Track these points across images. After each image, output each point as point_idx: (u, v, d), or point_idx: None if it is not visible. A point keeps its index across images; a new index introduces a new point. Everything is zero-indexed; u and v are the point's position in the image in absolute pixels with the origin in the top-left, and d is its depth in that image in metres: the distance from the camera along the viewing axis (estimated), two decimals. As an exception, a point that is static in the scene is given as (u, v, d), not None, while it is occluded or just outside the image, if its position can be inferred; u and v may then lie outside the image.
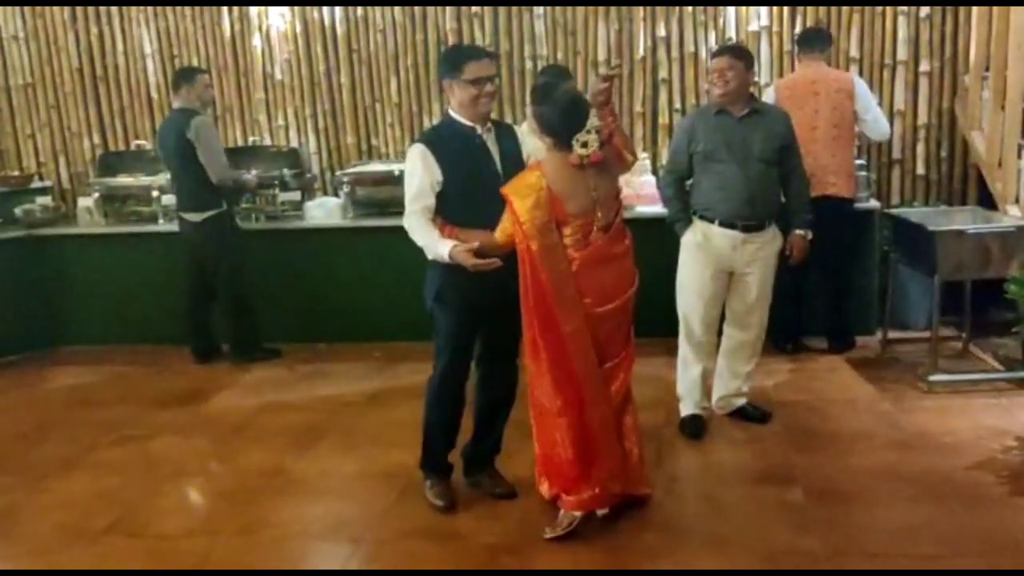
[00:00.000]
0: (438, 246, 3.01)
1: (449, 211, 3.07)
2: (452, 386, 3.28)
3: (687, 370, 3.97)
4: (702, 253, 3.80)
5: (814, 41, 4.91)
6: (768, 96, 4.72)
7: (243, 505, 3.48)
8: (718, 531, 3.10)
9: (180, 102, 5.17)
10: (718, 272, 3.81)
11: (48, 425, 4.51)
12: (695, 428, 3.90)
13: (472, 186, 3.05)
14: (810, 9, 5.59)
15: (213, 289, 5.30)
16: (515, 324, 3.13)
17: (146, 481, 3.76)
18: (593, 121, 3.00)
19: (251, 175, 5.51)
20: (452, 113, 3.15)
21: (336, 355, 5.34)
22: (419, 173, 3.05)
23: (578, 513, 3.05)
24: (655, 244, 4.65)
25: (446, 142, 3.10)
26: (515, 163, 3.15)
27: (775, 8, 5.62)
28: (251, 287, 5.33)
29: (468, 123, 3.11)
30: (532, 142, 3.24)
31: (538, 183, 2.89)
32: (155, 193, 5.74)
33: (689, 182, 3.91)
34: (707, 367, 3.97)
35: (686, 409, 3.97)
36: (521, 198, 2.89)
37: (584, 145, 2.89)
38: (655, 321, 4.96)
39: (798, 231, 3.88)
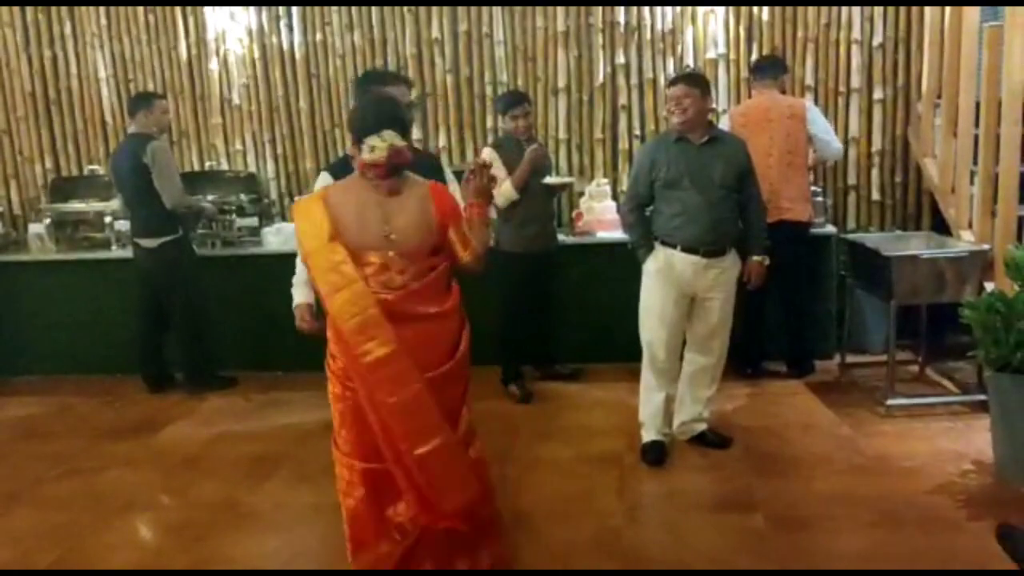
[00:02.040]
0: (296, 294, 3.24)
1: None
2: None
3: (650, 396, 3.96)
4: (664, 279, 3.80)
5: (767, 69, 4.98)
6: (724, 124, 4.75)
7: (195, 540, 3.38)
8: (680, 558, 3.07)
9: (136, 127, 5.09)
10: (680, 297, 3.81)
11: (-8, 458, 4.36)
12: (657, 454, 3.88)
13: None
14: (766, 37, 5.66)
15: (167, 316, 5.19)
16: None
17: (94, 516, 3.64)
18: (399, 140, 2.60)
19: (207, 201, 5.44)
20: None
21: (292, 384, 5.24)
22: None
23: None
24: (616, 270, 4.69)
25: (350, 170, 2.88)
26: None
27: (732, 35, 5.69)
28: (207, 314, 5.23)
29: None
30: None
31: (318, 204, 2.58)
32: (108, 219, 5.65)
33: (649, 209, 3.91)
34: (670, 393, 3.96)
35: (648, 435, 3.95)
36: (304, 219, 2.60)
37: (372, 150, 2.54)
38: (617, 347, 4.99)
39: (755, 257, 3.90)
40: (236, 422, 4.72)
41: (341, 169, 3.00)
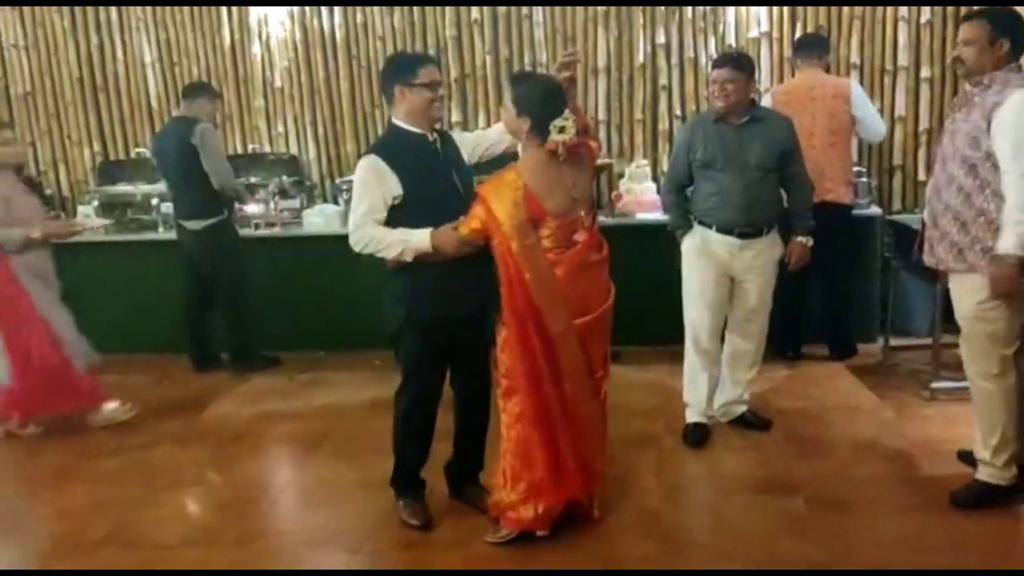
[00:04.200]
0: (412, 237, 2.90)
1: (406, 222, 2.94)
2: (423, 410, 3.19)
3: (695, 378, 3.94)
4: (703, 259, 3.78)
5: (811, 47, 4.90)
6: (765, 103, 4.70)
7: (241, 515, 3.46)
8: (718, 540, 3.08)
9: (184, 111, 5.17)
10: (720, 277, 3.79)
11: (45, 435, 4.47)
12: (699, 436, 3.87)
13: (430, 194, 2.96)
14: (810, 15, 5.57)
15: (212, 297, 5.29)
16: (488, 335, 3.09)
17: (143, 491, 3.74)
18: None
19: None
20: (398, 122, 3.05)
21: (335, 363, 5.31)
22: (374, 187, 2.93)
23: (514, 531, 3.03)
24: (655, 252, 4.66)
25: (399, 152, 2.97)
26: (464, 168, 3.11)
27: (775, 14, 5.61)
28: (251, 295, 5.31)
29: (418, 130, 3.03)
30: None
31: (515, 182, 2.83)
32: (155, 201, 5.74)
33: (690, 189, 3.89)
34: (714, 375, 3.94)
35: (692, 417, 3.94)
36: (499, 199, 2.82)
37: (562, 130, 2.81)
38: (655, 329, 4.98)
39: (798, 237, 3.86)
40: (280, 401, 4.80)
41: (386, 149, 3.01)
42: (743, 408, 4.02)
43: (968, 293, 3.07)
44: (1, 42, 6.47)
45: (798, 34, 5.50)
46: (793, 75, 5.14)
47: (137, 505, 3.60)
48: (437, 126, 3.14)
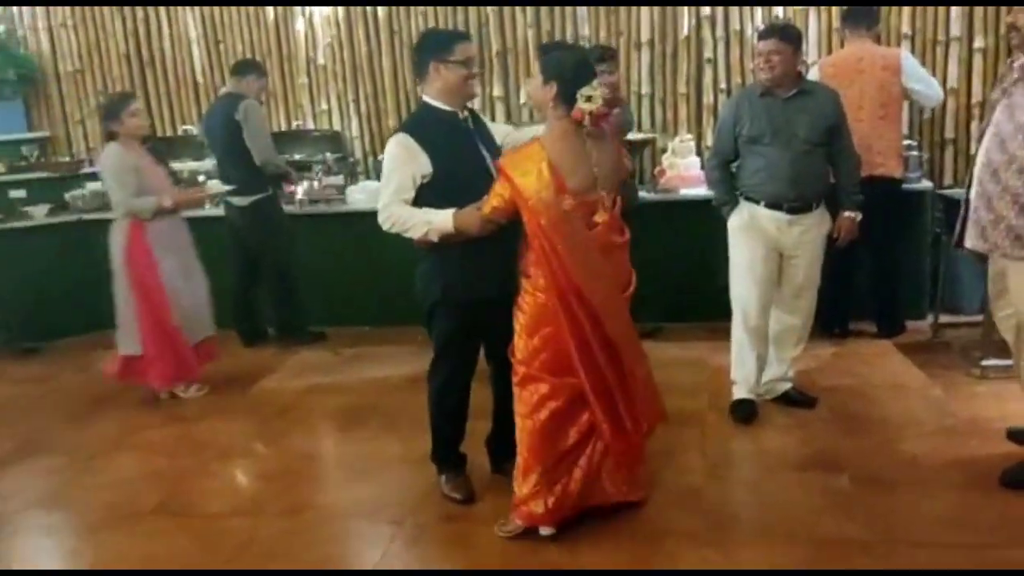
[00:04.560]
0: (436, 218, 2.87)
1: (437, 200, 2.91)
2: (457, 389, 3.20)
3: (743, 356, 3.88)
4: (750, 234, 3.74)
5: (860, 18, 4.78)
6: (813, 76, 4.61)
7: (287, 486, 3.53)
8: (763, 517, 3.07)
9: (232, 88, 5.22)
10: (769, 252, 3.74)
11: (98, 406, 4.60)
12: (747, 412, 3.84)
13: (460, 173, 2.92)
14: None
15: (258, 273, 5.36)
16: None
17: (193, 462, 3.83)
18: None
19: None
20: (429, 99, 3.02)
21: (380, 338, 5.37)
22: (403, 166, 2.92)
23: (523, 525, 2.96)
24: (699, 227, 4.62)
25: (430, 130, 2.96)
26: (494, 148, 3.08)
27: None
28: (296, 271, 5.37)
29: (448, 108, 3.01)
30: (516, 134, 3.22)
31: (539, 155, 2.74)
32: (202, 178, 5.82)
33: (735, 164, 3.84)
34: (762, 352, 3.89)
35: (739, 393, 3.90)
36: (523, 174, 2.73)
37: (589, 99, 2.72)
38: (698, 305, 4.96)
39: (846, 212, 3.79)
40: (325, 375, 4.87)
41: (417, 127, 3.00)
42: (788, 385, 3.98)
43: None
44: (50, 20, 6.57)
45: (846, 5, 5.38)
46: (842, 46, 5.03)
47: (187, 476, 3.69)
48: (470, 104, 3.13)
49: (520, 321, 2.90)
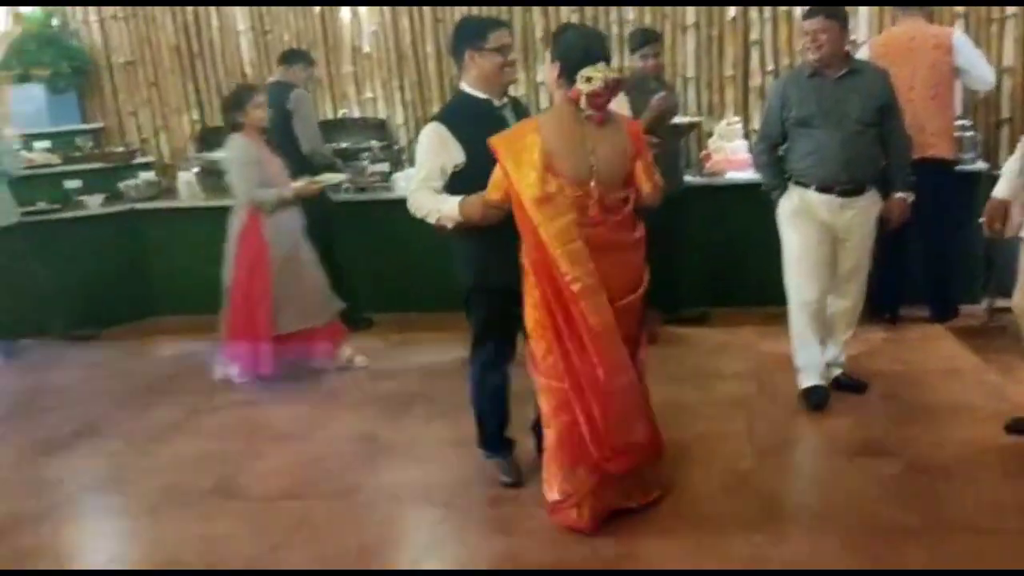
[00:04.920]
0: (445, 206, 2.91)
1: (469, 189, 2.91)
2: (496, 371, 3.22)
3: (805, 343, 3.78)
4: (802, 219, 3.67)
5: None
6: (862, 55, 4.52)
7: (337, 470, 3.59)
8: (813, 503, 3.05)
9: (281, 77, 5.27)
10: (823, 236, 3.67)
11: (153, 391, 4.71)
12: (819, 398, 3.74)
13: (493, 162, 2.89)
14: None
15: None
16: None
17: (246, 445, 3.91)
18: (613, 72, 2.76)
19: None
20: (466, 88, 3.05)
21: (427, 324, 5.40)
22: (433, 155, 2.96)
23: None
24: (746, 211, 4.58)
25: (464, 119, 2.98)
26: None
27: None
28: (343, 258, 5.42)
29: (485, 96, 3.02)
30: None
31: (532, 135, 2.70)
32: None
33: (783, 147, 3.79)
34: (824, 337, 3.80)
35: (808, 380, 3.80)
36: (517, 163, 2.69)
37: (588, 80, 2.66)
38: (745, 290, 4.91)
39: (898, 194, 3.71)
40: (374, 360, 4.90)
41: (451, 116, 3.04)
42: (838, 370, 3.93)
43: None
44: (101, 13, 6.70)
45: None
46: (893, 24, 4.93)
47: (241, 458, 3.77)
48: (510, 92, 3.14)
49: (528, 323, 2.88)
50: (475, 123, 2.94)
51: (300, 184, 4.71)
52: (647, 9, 5.78)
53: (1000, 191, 3.40)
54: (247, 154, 4.41)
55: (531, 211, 2.69)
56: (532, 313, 2.84)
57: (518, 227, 2.77)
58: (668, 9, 5.74)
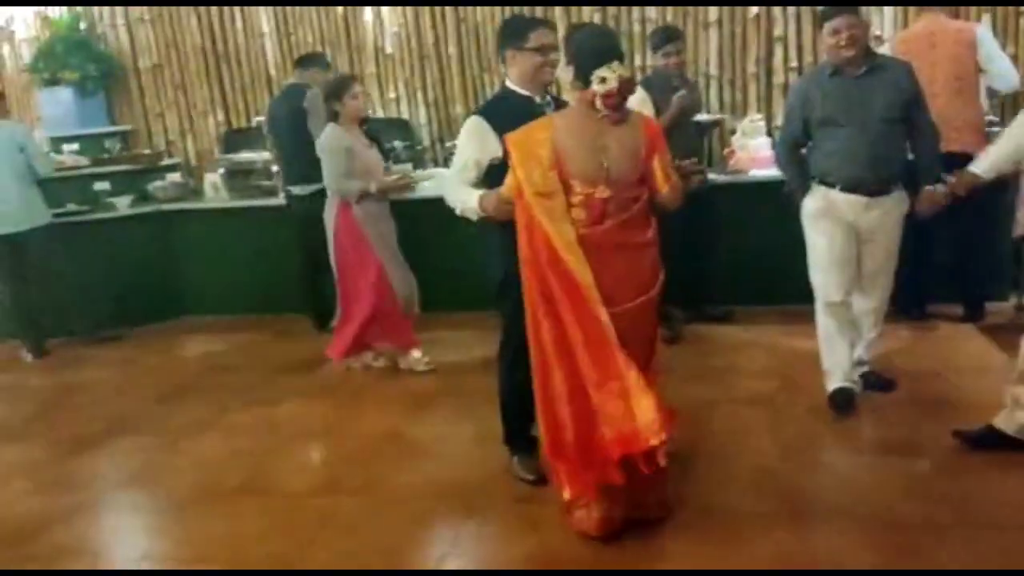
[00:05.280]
0: (469, 198, 2.99)
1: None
2: (525, 364, 3.14)
3: (832, 344, 3.72)
4: (828, 219, 3.61)
5: None
6: (884, 52, 4.47)
7: (363, 467, 3.61)
8: (839, 501, 3.03)
9: (298, 79, 5.31)
10: (848, 235, 3.61)
11: (182, 390, 4.78)
12: (847, 401, 3.68)
13: None
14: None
15: (322, 260, 5.39)
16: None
17: (274, 443, 3.95)
18: (627, 71, 2.73)
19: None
20: (510, 84, 3.13)
21: (451, 323, 5.43)
22: (470, 147, 3.05)
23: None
24: (769, 209, 4.54)
25: (504, 114, 3.03)
26: None
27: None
28: None
29: (525, 93, 3.09)
30: None
31: (545, 140, 2.71)
32: (275, 168, 5.95)
33: (806, 148, 3.75)
34: (852, 337, 3.75)
35: (835, 382, 3.72)
36: (525, 160, 2.72)
37: (603, 81, 2.65)
38: (769, 288, 4.89)
39: (928, 187, 3.60)
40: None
41: (491, 110, 3.11)
42: (865, 368, 3.89)
43: None
44: (128, 16, 6.78)
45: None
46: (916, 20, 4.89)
47: (268, 456, 3.81)
48: (552, 91, 3.17)
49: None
50: (514, 119, 2.96)
51: (390, 180, 4.75)
52: (669, 7, 5.77)
53: (979, 167, 3.37)
54: (337, 143, 4.47)
55: (533, 205, 2.71)
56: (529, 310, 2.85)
57: (516, 223, 2.79)
58: (690, 7, 5.72)
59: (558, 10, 5.93)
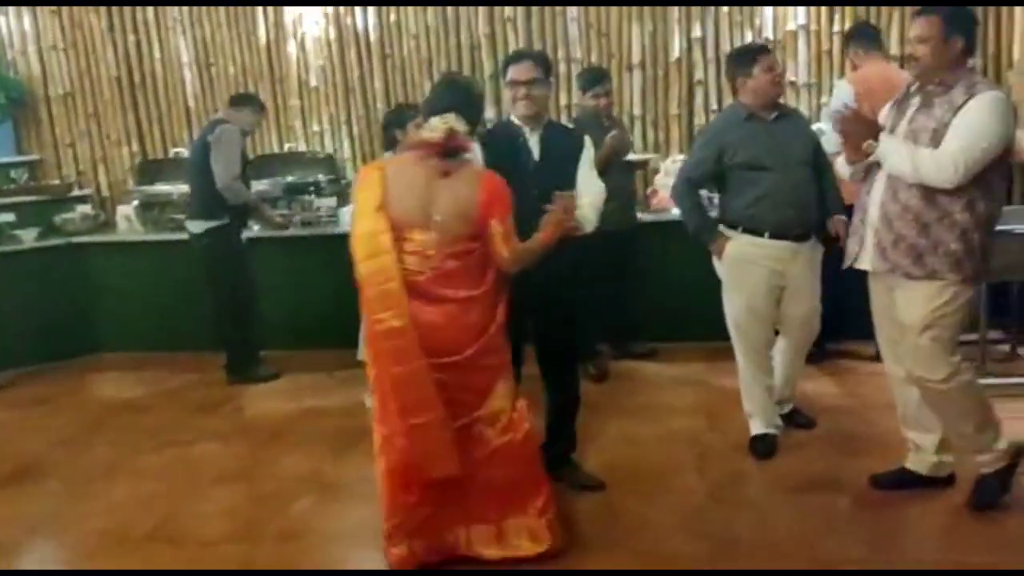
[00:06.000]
0: None
1: None
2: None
3: (753, 391, 3.75)
4: (750, 269, 3.59)
5: (873, 37, 4.76)
6: (844, 90, 4.49)
7: (283, 511, 3.49)
8: (766, 538, 3.05)
9: (224, 115, 5.16)
10: (771, 287, 3.61)
11: (91, 431, 4.55)
12: (768, 447, 3.69)
13: (509, 183, 2.88)
14: (848, 7, 5.50)
15: (230, 301, 5.18)
16: (566, 327, 3.25)
17: (188, 486, 3.79)
18: (460, 124, 2.72)
19: (261, 198, 5.44)
20: (511, 113, 3.31)
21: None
22: None
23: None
24: (691, 248, 4.59)
25: (496, 140, 3.24)
26: (557, 164, 3.16)
27: (813, 7, 5.54)
28: (252, 305, 5.23)
29: (517, 123, 3.24)
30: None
31: (375, 180, 2.72)
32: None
33: (708, 193, 3.77)
34: (771, 383, 3.79)
35: (757, 427, 3.75)
36: (363, 189, 2.76)
37: (433, 129, 2.67)
38: (693, 326, 4.95)
39: (838, 216, 3.63)
40: (320, 397, 4.83)
41: (489, 136, 3.29)
42: (789, 407, 3.95)
43: (924, 300, 2.94)
44: (40, 44, 6.55)
45: (836, 27, 5.44)
46: (842, 68, 5.03)
47: (181, 501, 3.64)
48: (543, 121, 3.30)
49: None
50: (503, 145, 3.19)
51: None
52: (593, 49, 5.87)
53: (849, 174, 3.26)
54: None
55: (353, 247, 2.72)
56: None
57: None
58: (615, 48, 5.84)
59: (484, 50, 5.96)
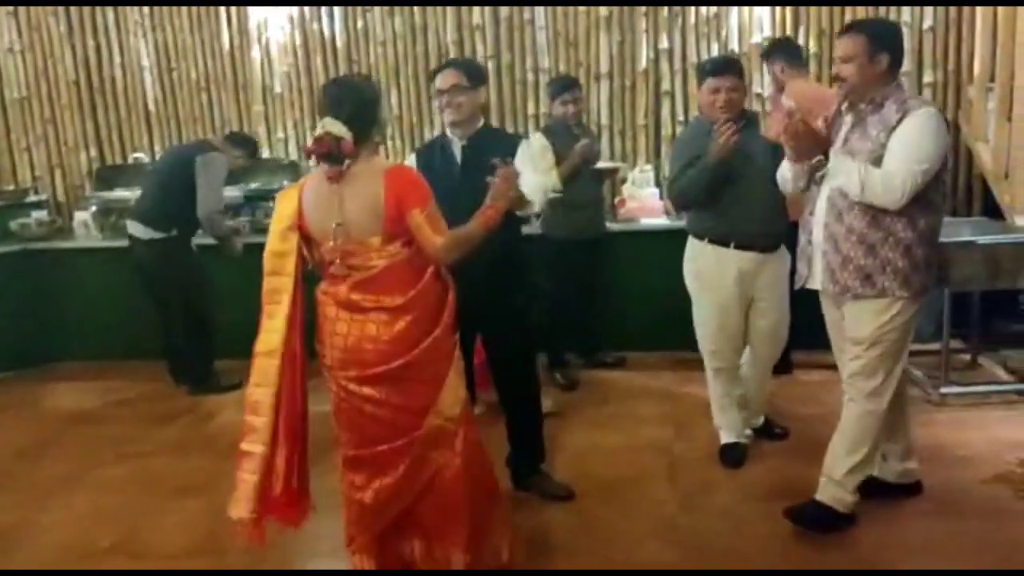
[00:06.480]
0: None
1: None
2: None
3: (723, 403, 3.76)
4: (717, 281, 3.58)
5: (794, 53, 4.69)
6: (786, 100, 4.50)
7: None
8: (737, 547, 3.05)
9: (218, 144, 5.05)
10: (739, 301, 3.61)
11: (48, 443, 4.44)
12: (737, 456, 3.71)
13: (437, 192, 2.75)
14: (813, 21, 5.57)
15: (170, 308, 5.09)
16: (515, 336, 3.25)
17: (149, 499, 3.70)
18: (336, 127, 2.53)
19: (233, 229, 5.26)
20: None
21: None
22: None
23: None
24: (659, 257, 4.63)
25: (430, 150, 3.35)
26: (485, 169, 2.89)
27: (779, 18, 5.60)
28: (208, 318, 5.12)
29: (449, 134, 3.29)
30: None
31: (291, 196, 2.65)
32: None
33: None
34: (740, 393, 3.79)
35: (727, 437, 3.77)
36: (277, 207, 2.69)
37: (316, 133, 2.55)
38: (661, 335, 4.96)
39: None
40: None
41: (424, 148, 3.43)
42: (760, 418, 3.95)
43: (872, 316, 2.95)
44: (-5, 46, 6.41)
45: (801, 39, 5.49)
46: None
47: (143, 514, 3.56)
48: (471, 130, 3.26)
49: None
50: (434, 154, 3.28)
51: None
52: (563, 58, 5.87)
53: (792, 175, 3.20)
54: None
55: (266, 259, 2.68)
56: None
57: None
58: (583, 57, 5.85)
59: (466, 54, 5.94)
